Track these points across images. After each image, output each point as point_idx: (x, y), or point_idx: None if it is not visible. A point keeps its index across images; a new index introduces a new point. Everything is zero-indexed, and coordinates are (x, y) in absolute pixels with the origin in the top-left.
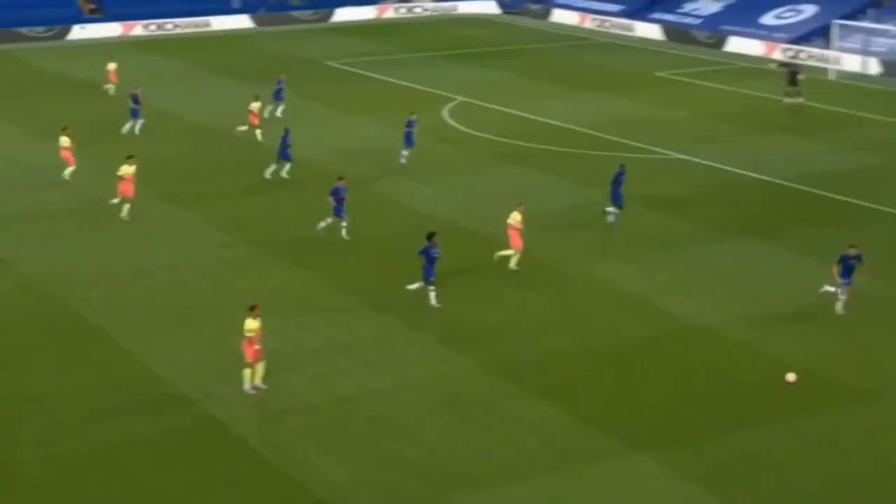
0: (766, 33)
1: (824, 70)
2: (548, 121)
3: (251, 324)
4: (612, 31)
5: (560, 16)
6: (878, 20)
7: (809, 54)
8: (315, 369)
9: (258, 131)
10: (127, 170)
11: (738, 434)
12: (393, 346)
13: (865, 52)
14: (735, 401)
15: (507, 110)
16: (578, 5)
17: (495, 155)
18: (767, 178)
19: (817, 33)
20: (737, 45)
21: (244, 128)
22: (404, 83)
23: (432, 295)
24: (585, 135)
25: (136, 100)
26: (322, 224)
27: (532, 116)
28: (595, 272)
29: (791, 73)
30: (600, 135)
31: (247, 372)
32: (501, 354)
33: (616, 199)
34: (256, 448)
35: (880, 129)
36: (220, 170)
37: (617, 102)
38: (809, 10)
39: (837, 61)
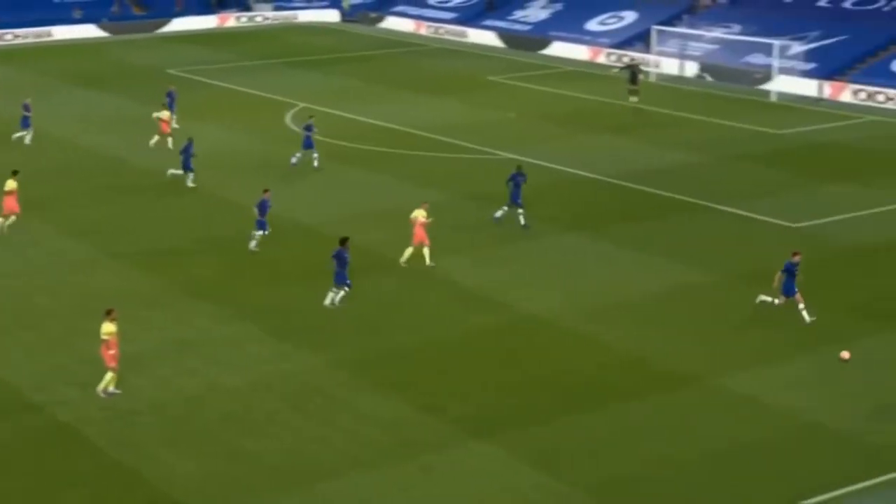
0: (591, 38)
1: (646, 73)
2: (386, 124)
3: (108, 327)
4: (447, 37)
5: (397, 23)
6: (693, 25)
7: (632, 58)
8: (163, 369)
9: (169, 139)
10: (11, 185)
11: (573, 418)
12: (241, 345)
13: (682, 56)
14: (569, 387)
15: (348, 115)
16: (414, 13)
17: (337, 158)
18: (595, 176)
19: (638, 38)
20: (564, 49)
21: (155, 139)
22: (247, 90)
23: (339, 297)
24: (423, 137)
25: (27, 108)
26: (253, 242)
27: (371, 120)
28: (438, 265)
29: (632, 73)
30: (436, 137)
31: (108, 376)
32: (347, 350)
33: (515, 199)
34: (104, 448)
35: (698, 128)
36: (65, 175)
37: (452, 105)
38: (630, 17)
39: (657, 65)
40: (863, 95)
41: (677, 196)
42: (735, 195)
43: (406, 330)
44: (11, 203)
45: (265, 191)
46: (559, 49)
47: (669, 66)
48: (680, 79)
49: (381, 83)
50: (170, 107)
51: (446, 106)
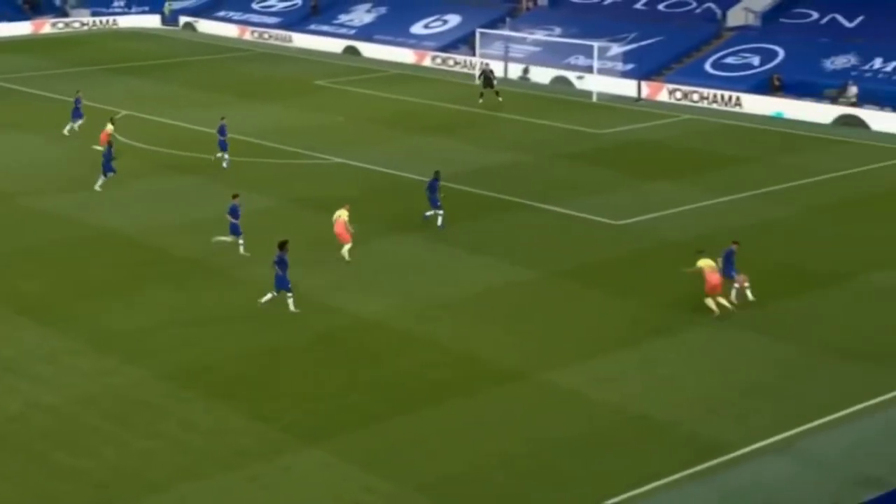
0: (416, 42)
1: (472, 76)
2: (211, 131)
3: None
4: (272, 42)
5: (220, 28)
6: (515, 28)
7: (456, 61)
8: None
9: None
10: None
11: (404, 419)
12: (62, 361)
13: (506, 59)
14: (400, 388)
15: (173, 122)
16: (237, 18)
17: (162, 166)
18: (422, 178)
19: (462, 41)
20: (389, 53)
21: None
22: (66, 98)
23: (290, 302)
24: (249, 143)
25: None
26: (220, 238)
27: (197, 127)
28: (263, 273)
29: (486, 77)
30: (263, 142)
31: None
32: (173, 361)
33: (434, 203)
34: None
35: (522, 129)
36: None
37: (279, 110)
38: (454, 20)
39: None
40: (678, 95)
41: (502, 196)
42: (558, 194)
43: (233, 338)
44: None
45: (234, 196)
46: (385, 53)
47: (495, 69)
48: (504, 80)
49: (206, 89)
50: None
51: (273, 111)
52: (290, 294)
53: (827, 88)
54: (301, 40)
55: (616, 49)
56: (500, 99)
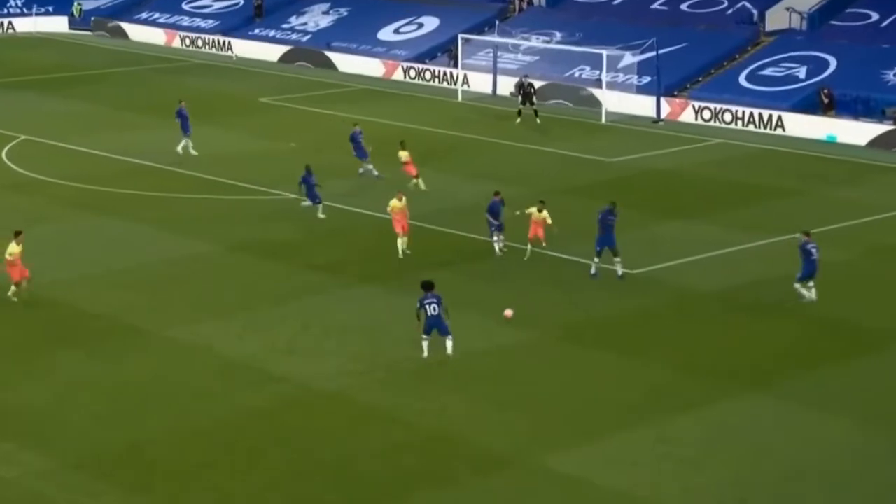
0: (385, 50)
1: (453, 92)
2: (133, 159)
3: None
4: (206, 50)
5: (143, 34)
6: (505, 34)
7: (433, 73)
8: None
9: None
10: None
11: None
12: None
13: (494, 70)
14: (361, 475)
15: (84, 149)
16: (164, 21)
17: (70, 202)
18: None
19: (441, 49)
20: (352, 64)
21: None
22: None
23: (449, 346)
24: (181, 175)
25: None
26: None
27: (114, 155)
28: (194, 333)
29: (524, 92)
30: (198, 174)
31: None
32: (84, 447)
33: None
34: None
35: (512, 156)
36: None
37: (216, 134)
38: (431, 24)
39: (465, 80)
40: (706, 114)
41: (489, 239)
42: (558, 236)
43: (158, 416)
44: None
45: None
46: (347, 63)
47: (479, 83)
48: (492, 97)
49: (125, 108)
50: None
51: (210, 135)
52: (449, 338)
53: (889, 106)
54: (242, 48)
55: (630, 59)
56: (539, 121)
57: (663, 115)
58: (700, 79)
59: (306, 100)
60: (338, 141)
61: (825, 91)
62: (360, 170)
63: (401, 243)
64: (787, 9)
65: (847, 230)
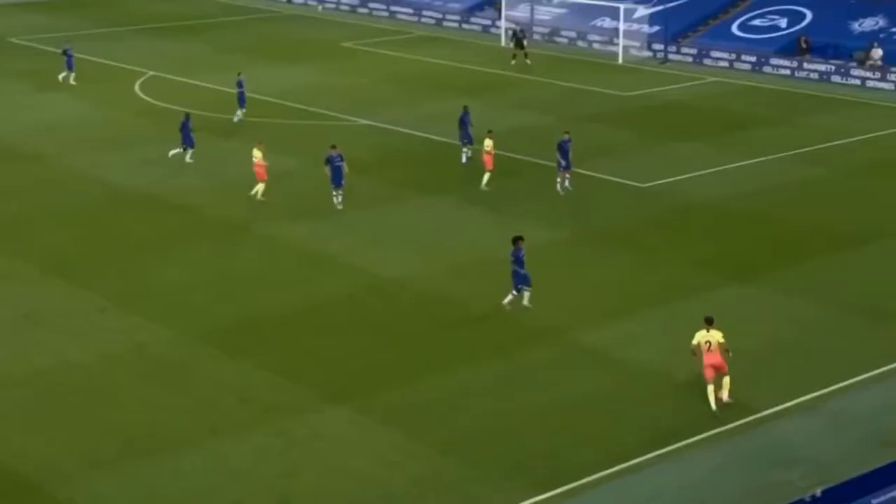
0: (442, 4)
1: (497, 37)
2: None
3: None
4: (298, 2)
5: None
6: None
7: (481, 23)
8: (11, 344)
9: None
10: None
11: (435, 377)
12: (91, 318)
13: (532, 21)
14: (430, 347)
15: (201, 83)
16: None
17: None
18: (444, 139)
19: (488, 3)
20: (415, 15)
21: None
22: (94, 59)
23: (527, 296)
24: (277, 105)
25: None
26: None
27: (225, 89)
28: (292, 232)
29: (517, 39)
30: (292, 104)
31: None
32: (201, 321)
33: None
34: None
35: (546, 90)
36: None
37: (307, 72)
38: None
39: (507, 29)
40: (705, 57)
41: (527, 158)
42: (584, 156)
43: (262, 298)
44: None
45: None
46: (410, 14)
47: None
48: (530, 44)
49: (233, 51)
50: (68, 65)
51: (301, 73)
52: (528, 289)
53: (856, 51)
54: (327, 1)
55: (642, 11)
56: (529, 61)
57: (669, 57)
58: (700, 28)
59: (378, 44)
60: (398, 77)
61: (803, 38)
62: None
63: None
64: None
65: (819, 152)
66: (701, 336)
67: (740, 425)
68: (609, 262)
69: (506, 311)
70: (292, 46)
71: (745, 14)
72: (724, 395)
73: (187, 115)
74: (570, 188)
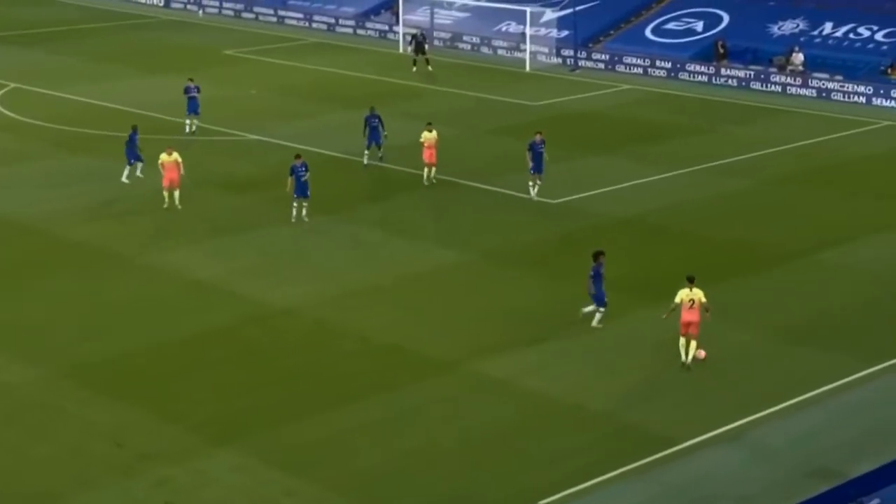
0: (335, 8)
1: (395, 43)
2: (113, 105)
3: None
4: (177, 7)
5: None
6: None
7: (378, 28)
8: None
9: None
10: None
11: (325, 415)
12: None
13: (431, 26)
14: (320, 381)
15: (69, 96)
16: None
17: (55, 143)
18: (341, 155)
19: (384, 6)
20: (305, 20)
21: None
22: None
23: (598, 317)
24: (155, 119)
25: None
26: None
27: (95, 101)
28: (168, 260)
29: (417, 44)
30: (170, 118)
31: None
32: (70, 358)
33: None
34: None
35: (449, 100)
36: None
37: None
38: None
39: (405, 35)
40: (617, 63)
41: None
42: (490, 171)
43: (136, 331)
44: None
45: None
46: (300, 20)
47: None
48: (429, 49)
49: (106, 60)
50: None
51: (180, 84)
52: (602, 310)
53: (774, 55)
54: (208, 6)
55: (550, 14)
56: (431, 68)
57: (580, 63)
58: (612, 32)
59: (265, 52)
60: (289, 87)
61: (720, 43)
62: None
63: (167, 195)
64: None
65: (739, 163)
66: (684, 294)
67: (659, 458)
68: (515, 285)
69: (579, 320)
70: (171, 55)
71: (658, 17)
72: (690, 357)
73: (134, 129)
74: (535, 197)
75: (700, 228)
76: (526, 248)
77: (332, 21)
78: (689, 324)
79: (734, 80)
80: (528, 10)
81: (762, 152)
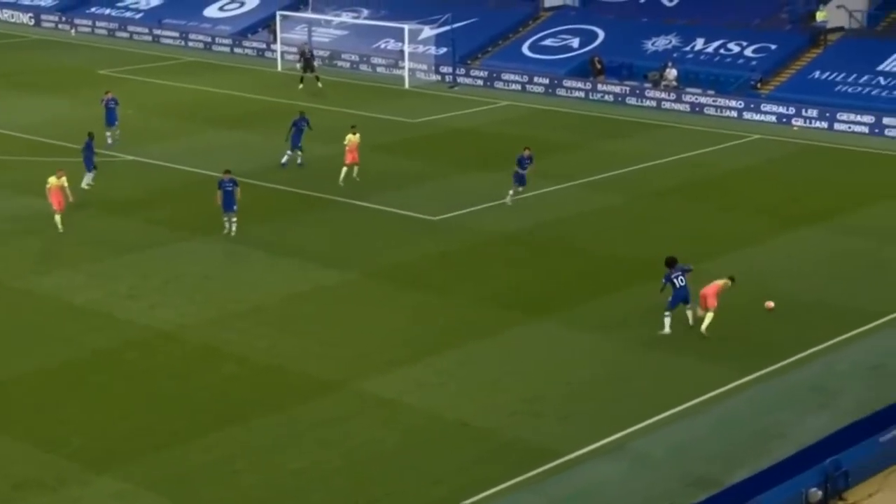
0: (211, 27)
1: (274, 61)
2: None
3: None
4: (48, 26)
5: None
6: (319, 11)
7: (255, 47)
8: None
9: None
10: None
11: (207, 438)
12: None
13: (310, 44)
14: (202, 404)
15: None
16: (6, 0)
17: None
18: (217, 174)
19: (262, 25)
20: (181, 39)
21: None
22: None
23: (690, 315)
24: (24, 140)
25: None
26: None
27: None
28: (44, 284)
29: (306, 60)
30: (41, 139)
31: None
32: None
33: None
34: None
35: (328, 118)
36: None
37: (59, 103)
38: (252, 2)
39: (283, 53)
40: (496, 79)
41: (308, 192)
42: (370, 189)
43: (8, 358)
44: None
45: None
46: (176, 38)
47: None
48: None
49: None
50: None
51: (51, 104)
52: (689, 307)
53: (648, 71)
54: (81, 25)
55: (428, 32)
56: (321, 84)
57: (459, 80)
58: (489, 49)
59: (140, 71)
60: (165, 107)
61: (596, 59)
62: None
63: (58, 219)
64: None
65: (615, 178)
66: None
67: (544, 471)
68: (399, 303)
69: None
70: (41, 74)
71: (535, 34)
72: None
73: (90, 136)
74: (510, 203)
75: (578, 243)
76: (407, 266)
77: (209, 40)
78: (705, 296)
79: (610, 96)
80: (406, 27)
81: (638, 167)
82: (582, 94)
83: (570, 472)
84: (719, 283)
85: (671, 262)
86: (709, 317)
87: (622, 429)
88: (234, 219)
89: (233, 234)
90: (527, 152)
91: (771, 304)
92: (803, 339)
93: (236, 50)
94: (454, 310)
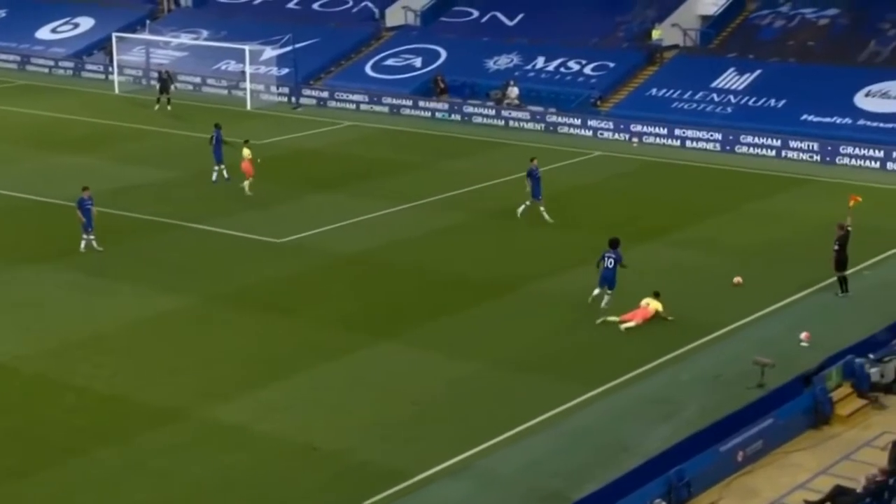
0: (44, 49)
1: (111, 84)
2: None
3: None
4: None
5: None
6: (157, 32)
7: (91, 69)
8: None
9: None
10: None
11: (46, 473)
12: None
13: (147, 65)
14: (41, 438)
15: None
16: None
17: None
18: (57, 201)
19: (97, 46)
20: (12, 62)
21: None
22: None
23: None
24: None
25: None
26: None
27: None
28: None
29: (163, 82)
30: None
31: None
32: None
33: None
34: None
35: (168, 141)
36: None
37: None
38: (87, 24)
39: (121, 74)
40: (338, 100)
41: (149, 217)
42: (213, 212)
43: None
44: None
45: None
46: (7, 61)
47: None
48: (144, 89)
49: None
50: None
51: None
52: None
53: (491, 89)
54: None
55: (270, 52)
56: (170, 108)
57: (301, 101)
58: (332, 69)
59: None
60: (5, 132)
61: (440, 78)
62: None
63: None
64: (403, 7)
65: (457, 197)
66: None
67: (393, 493)
68: (243, 327)
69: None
70: None
71: (377, 54)
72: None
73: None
74: (520, 215)
75: (423, 263)
76: (251, 289)
77: (51, 63)
78: (635, 313)
79: (455, 115)
80: (247, 48)
81: (482, 185)
82: (427, 114)
83: (418, 493)
84: (653, 310)
85: (613, 244)
86: (615, 319)
87: (470, 448)
88: (94, 237)
89: (98, 250)
90: (535, 163)
91: (739, 279)
92: (648, 351)
93: (75, 73)
94: (300, 333)
